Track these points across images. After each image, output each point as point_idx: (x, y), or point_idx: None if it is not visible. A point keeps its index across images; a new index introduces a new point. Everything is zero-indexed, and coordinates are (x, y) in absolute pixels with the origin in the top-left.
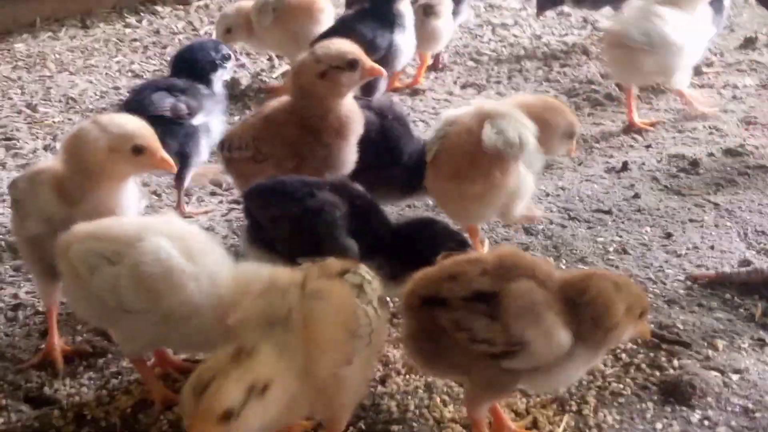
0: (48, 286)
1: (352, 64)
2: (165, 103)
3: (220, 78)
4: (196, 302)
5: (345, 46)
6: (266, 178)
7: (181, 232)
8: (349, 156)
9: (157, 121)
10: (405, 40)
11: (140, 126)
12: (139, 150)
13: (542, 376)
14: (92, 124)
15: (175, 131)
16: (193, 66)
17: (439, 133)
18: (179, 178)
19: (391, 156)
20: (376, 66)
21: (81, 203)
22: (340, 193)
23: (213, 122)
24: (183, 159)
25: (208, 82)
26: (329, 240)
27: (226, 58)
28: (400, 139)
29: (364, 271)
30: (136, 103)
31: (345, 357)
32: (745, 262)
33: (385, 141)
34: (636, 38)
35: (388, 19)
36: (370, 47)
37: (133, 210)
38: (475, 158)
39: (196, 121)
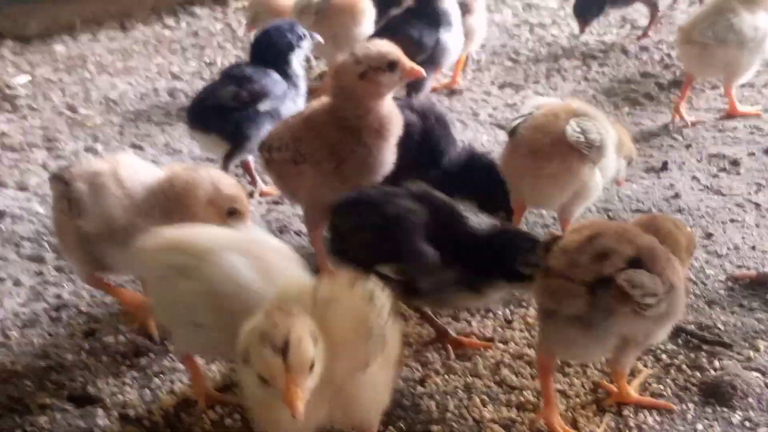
0: (88, 274)
1: (391, 65)
2: (226, 92)
3: (297, 58)
4: None
5: (385, 47)
6: (351, 191)
7: (260, 248)
8: (389, 157)
9: (221, 109)
10: (452, 38)
11: (239, 190)
12: (233, 212)
13: (668, 321)
14: (203, 176)
15: (238, 117)
16: (270, 49)
17: (525, 112)
18: (228, 157)
19: (430, 158)
20: (417, 67)
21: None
22: (421, 201)
23: (284, 107)
24: (238, 140)
25: (286, 64)
26: (407, 246)
27: (302, 37)
28: (440, 141)
29: (374, 282)
30: (204, 93)
31: (360, 361)
32: None
33: (425, 142)
34: (708, 35)
35: (435, 18)
36: (417, 47)
37: None
38: (556, 139)
39: (263, 107)
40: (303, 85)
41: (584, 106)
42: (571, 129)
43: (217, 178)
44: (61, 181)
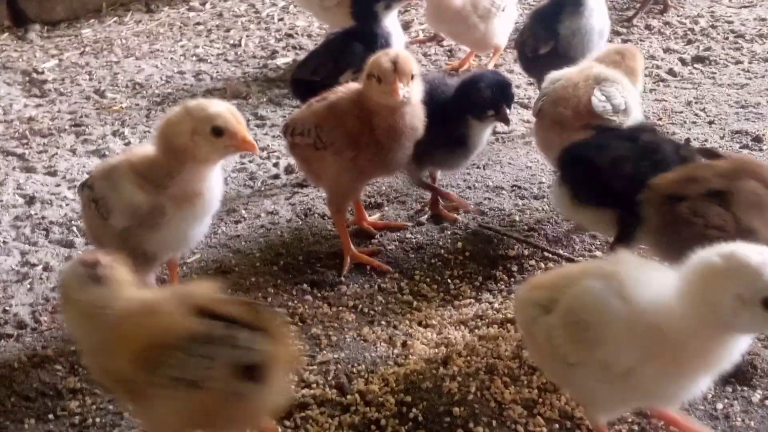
0: (144, 273)
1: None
2: (306, 69)
3: (388, 15)
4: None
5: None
6: (375, 179)
7: (628, 275)
8: (400, 157)
9: (308, 84)
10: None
11: (223, 109)
12: (218, 131)
13: None
14: (180, 109)
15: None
16: (361, 6)
17: (545, 89)
18: None
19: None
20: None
21: (167, 188)
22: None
23: None
24: None
25: (375, 19)
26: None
27: None
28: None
29: None
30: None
31: None
32: None
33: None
34: None
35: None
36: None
37: (218, 194)
38: (578, 109)
39: (344, 78)
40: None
41: (604, 71)
42: (597, 99)
43: (191, 105)
44: (86, 186)
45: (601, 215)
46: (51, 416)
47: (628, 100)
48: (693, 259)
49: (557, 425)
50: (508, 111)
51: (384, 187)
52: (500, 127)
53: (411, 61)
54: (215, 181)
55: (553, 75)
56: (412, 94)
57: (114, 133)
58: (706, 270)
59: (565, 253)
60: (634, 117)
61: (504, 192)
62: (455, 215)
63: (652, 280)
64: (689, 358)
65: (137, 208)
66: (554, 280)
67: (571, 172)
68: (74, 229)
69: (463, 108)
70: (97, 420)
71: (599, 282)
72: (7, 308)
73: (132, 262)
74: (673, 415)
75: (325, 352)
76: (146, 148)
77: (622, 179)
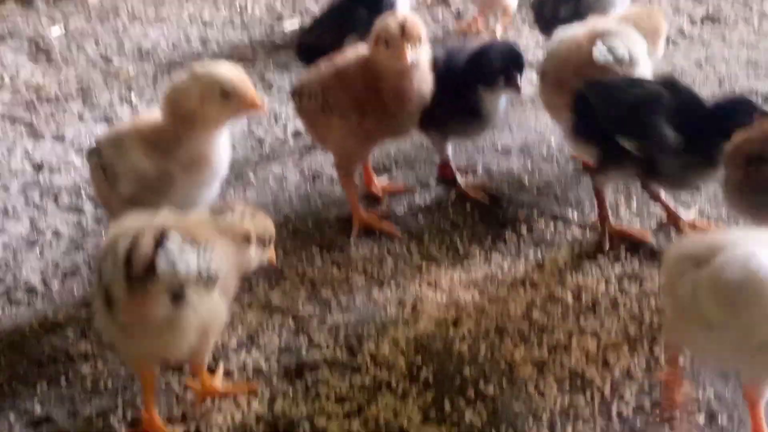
0: None
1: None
2: (311, 34)
3: None
4: None
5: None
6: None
7: None
8: (407, 122)
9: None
10: None
11: (230, 71)
12: (226, 94)
13: None
14: (187, 73)
15: None
16: None
17: (549, 50)
18: None
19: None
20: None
21: (175, 154)
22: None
23: None
24: None
25: None
26: (652, 126)
27: None
28: None
29: None
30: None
31: None
32: None
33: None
34: None
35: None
36: None
37: (226, 159)
38: (580, 71)
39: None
40: None
41: (608, 24)
42: (598, 51)
43: (203, 68)
44: (94, 153)
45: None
46: (63, 381)
47: (634, 51)
48: None
49: (567, 384)
50: (519, 80)
51: (393, 151)
52: None
53: (419, 25)
54: (223, 145)
55: (560, 34)
56: (420, 58)
57: (121, 99)
58: None
59: (575, 215)
60: (642, 70)
61: (512, 154)
62: (478, 194)
63: None
64: None
65: (144, 175)
66: (711, 240)
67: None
68: (83, 195)
69: (474, 78)
70: (110, 384)
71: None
72: (17, 274)
73: None
74: (761, 407)
75: (335, 314)
76: (153, 114)
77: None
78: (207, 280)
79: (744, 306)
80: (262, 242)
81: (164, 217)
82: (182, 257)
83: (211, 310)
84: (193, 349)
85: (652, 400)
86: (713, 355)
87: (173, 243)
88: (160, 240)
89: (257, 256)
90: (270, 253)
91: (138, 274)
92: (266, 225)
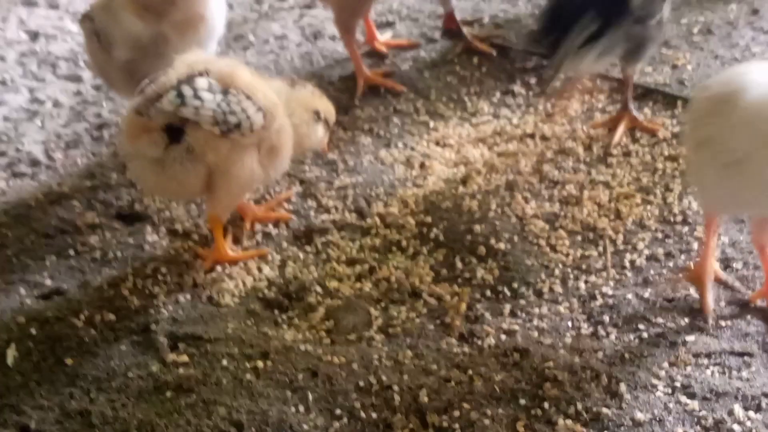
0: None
1: None
2: None
3: None
4: None
5: None
6: None
7: None
8: None
9: None
10: None
11: None
12: None
13: None
14: None
15: None
16: None
17: None
18: None
19: None
20: None
21: (168, 15)
22: None
23: None
24: None
25: None
26: None
27: None
28: None
29: None
30: None
31: None
32: None
33: None
34: None
35: None
36: None
37: (221, 17)
38: None
39: None
40: None
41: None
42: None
43: None
44: (88, 18)
45: None
46: (72, 252)
47: None
48: None
49: (579, 237)
50: None
51: (395, 5)
52: None
53: None
54: (217, 3)
55: None
56: None
57: None
58: None
59: None
60: None
61: (519, 1)
62: (485, 46)
63: None
64: None
65: (139, 39)
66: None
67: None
68: (81, 63)
69: None
70: (118, 254)
71: None
72: (20, 146)
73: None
74: None
75: (342, 177)
76: None
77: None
78: (223, 125)
79: None
80: (327, 124)
81: (212, 62)
82: (195, 99)
83: (222, 158)
84: (206, 197)
85: (665, 250)
86: (731, 196)
87: (194, 84)
88: (185, 79)
89: (319, 134)
90: (326, 138)
91: (141, 106)
92: (332, 109)
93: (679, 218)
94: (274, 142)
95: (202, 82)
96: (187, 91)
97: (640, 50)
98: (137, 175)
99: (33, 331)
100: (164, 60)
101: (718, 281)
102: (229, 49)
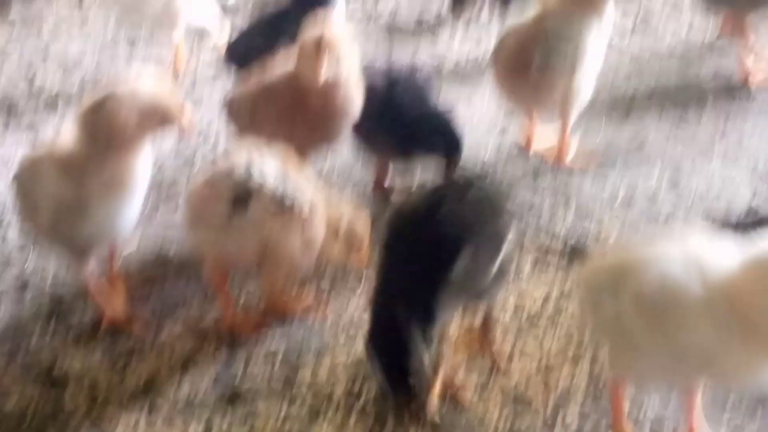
0: (80, 264)
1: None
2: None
3: None
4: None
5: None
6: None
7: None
8: (336, 134)
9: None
10: None
11: (154, 87)
12: (149, 112)
13: None
14: (106, 91)
15: None
16: None
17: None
18: None
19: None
20: None
21: (92, 177)
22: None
23: None
24: None
25: None
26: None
27: None
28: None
29: None
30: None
31: None
32: None
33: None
34: None
35: None
36: None
37: (146, 179)
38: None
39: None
40: None
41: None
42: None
43: (125, 86)
44: (15, 179)
45: None
46: None
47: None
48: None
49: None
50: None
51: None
52: None
53: (339, 39)
54: (142, 165)
55: (511, 24)
56: (340, 73)
57: (47, 115)
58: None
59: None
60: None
61: None
62: None
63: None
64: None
65: (61, 201)
66: (620, 262)
67: None
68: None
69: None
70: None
71: (677, 266)
72: None
73: (66, 252)
74: (695, 402)
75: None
76: (70, 136)
77: None
78: (280, 203)
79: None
80: (350, 244)
81: (282, 158)
82: (262, 173)
83: (276, 234)
84: (260, 268)
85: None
86: (643, 372)
87: (263, 164)
88: (254, 160)
89: (338, 252)
90: (358, 257)
91: (212, 178)
92: (359, 231)
93: None
94: (311, 234)
95: (269, 165)
96: (255, 169)
97: (483, 296)
98: (198, 241)
99: None
100: (84, 221)
101: None
102: (159, 209)
